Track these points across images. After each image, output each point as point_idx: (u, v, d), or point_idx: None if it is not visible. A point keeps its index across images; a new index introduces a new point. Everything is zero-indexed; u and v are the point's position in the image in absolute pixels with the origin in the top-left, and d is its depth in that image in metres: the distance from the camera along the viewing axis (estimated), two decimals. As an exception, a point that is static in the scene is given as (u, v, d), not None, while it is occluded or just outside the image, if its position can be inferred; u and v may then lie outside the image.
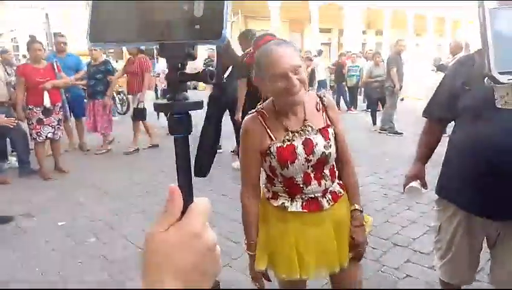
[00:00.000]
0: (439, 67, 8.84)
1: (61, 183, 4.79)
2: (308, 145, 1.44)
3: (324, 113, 1.52)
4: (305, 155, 1.43)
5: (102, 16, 0.45)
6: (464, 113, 1.67)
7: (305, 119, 1.47)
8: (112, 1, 0.45)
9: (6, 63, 5.89)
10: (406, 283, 2.52)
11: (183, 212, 0.44)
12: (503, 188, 1.56)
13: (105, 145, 6.21)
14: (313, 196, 1.48)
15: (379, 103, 8.05)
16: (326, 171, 1.50)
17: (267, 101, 1.52)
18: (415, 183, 1.91)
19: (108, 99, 5.98)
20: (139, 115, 6.03)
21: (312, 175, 1.47)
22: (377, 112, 8.01)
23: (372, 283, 2.51)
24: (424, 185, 1.94)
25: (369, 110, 8.49)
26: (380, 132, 7.52)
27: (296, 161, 1.42)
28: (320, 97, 1.55)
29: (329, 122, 1.51)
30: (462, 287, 1.98)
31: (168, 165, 4.68)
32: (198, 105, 0.46)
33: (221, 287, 0.48)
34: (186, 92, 0.46)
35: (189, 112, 0.46)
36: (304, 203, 1.49)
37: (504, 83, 0.54)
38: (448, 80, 1.80)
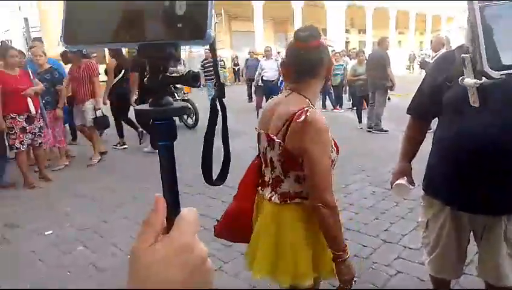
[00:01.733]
0: (422, 64, 8.97)
1: (46, 192, 4.69)
2: None
3: None
4: None
5: (77, 15, 0.42)
6: (446, 109, 1.70)
7: None
8: (87, 0, 0.42)
9: None
10: (397, 279, 2.55)
11: (170, 224, 0.42)
12: (487, 183, 1.60)
13: (63, 159, 5.74)
14: None
15: (363, 101, 8.13)
16: None
17: (302, 98, 1.45)
18: (402, 181, 1.93)
19: (60, 110, 5.42)
20: (103, 123, 5.77)
21: None
22: (362, 110, 8.10)
23: (364, 281, 2.53)
24: (411, 182, 1.97)
25: (355, 108, 8.58)
26: (368, 130, 7.58)
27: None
28: None
29: None
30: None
31: (156, 171, 4.63)
32: (183, 110, 0.43)
33: None
34: (169, 95, 0.43)
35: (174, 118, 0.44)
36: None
37: (497, 78, 0.55)
38: (430, 77, 1.82)
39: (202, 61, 11.04)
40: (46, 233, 3.49)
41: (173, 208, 0.43)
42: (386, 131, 7.25)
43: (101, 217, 3.81)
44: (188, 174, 4.02)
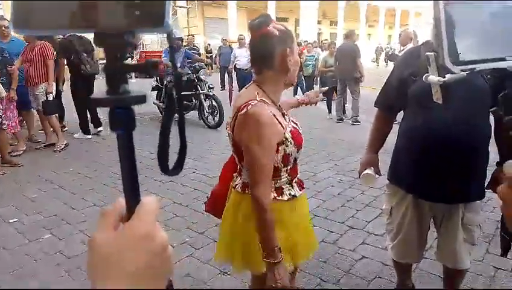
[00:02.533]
0: (390, 57, 9.20)
1: (10, 178, 4.51)
2: (298, 127, 1.54)
3: None
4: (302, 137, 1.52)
5: None
6: (411, 102, 1.78)
7: (279, 105, 1.54)
8: None
9: None
10: (362, 264, 2.68)
11: (130, 213, 0.42)
12: (447, 174, 1.71)
13: (21, 144, 5.45)
14: (297, 175, 1.58)
15: (334, 92, 8.29)
16: None
17: (257, 90, 1.43)
18: (369, 171, 2.02)
19: (13, 92, 5.04)
20: (52, 108, 5.47)
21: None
22: (332, 101, 8.26)
23: (330, 265, 2.64)
24: (377, 172, 2.07)
25: (325, 99, 8.72)
26: (337, 121, 7.75)
27: (303, 141, 1.51)
28: None
29: None
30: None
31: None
32: (141, 99, 0.42)
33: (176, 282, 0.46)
34: (127, 84, 0.42)
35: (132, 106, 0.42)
36: (298, 185, 1.56)
37: (457, 74, 0.59)
38: (397, 71, 1.89)
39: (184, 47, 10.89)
40: (11, 221, 3.38)
41: (132, 196, 0.43)
42: (358, 122, 7.44)
43: (69, 203, 3.73)
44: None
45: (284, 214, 1.49)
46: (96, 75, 6.15)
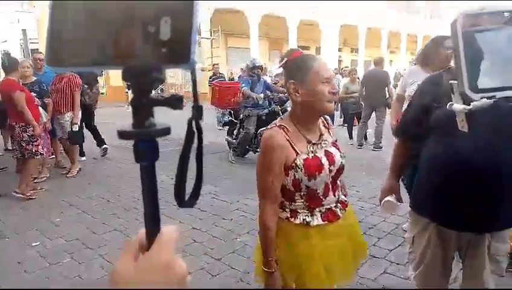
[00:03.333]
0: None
1: (37, 203, 4.65)
2: (329, 156, 1.54)
3: (329, 130, 1.66)
4: (328, 166, 1.52)
5: (61, 36, 0.42)
6: (434, 129, 1.73)
7: (321, 134, 1.57)
8: (72, 21, 0.42)
9: None
10: (382, 294, 2.56)
11: (151, 242, 0.42)
12: (473, 202, 1.62)
13: (45, 171, 5.66)
14: (329, 207, 1.56)
15: (355, 118, 8.24)
16: (339, 182, 1.62)
17: (284, 116, 1.59)
18: (391, 198, 1.97)
19: (49, 122, 5.36)
20: (78, 138, 5.75)
21: (330, 186, 1.56)
22: (353, 127, 8.21)
23: (350, 295, 2.54)
24: (399, 199, 2.01)
25: (346, 125, 8.67)
26: (358, 147, 7.65)
27: (323, 171, 1.50)
28: (324, 117, 1.66)
29: (334, 138, 1.65)
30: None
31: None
32: (166, 131, 0.43)
33: None
34: (153, 117, 0.43)
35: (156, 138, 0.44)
36: (322, 216, 1.54)
37: (477, 101, 0.57)
38: (418, 98, 1.86)
39: (210, 77, 11.33)
40: (33, 244, 3.46)
41: (153, 226, 0.44)
42: (380, 148, 7.32)
43: (91, 228, 3.79)
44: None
45: (294, 237, 1.52)
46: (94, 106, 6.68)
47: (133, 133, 0.43)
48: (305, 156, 1.47)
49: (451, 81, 0.60)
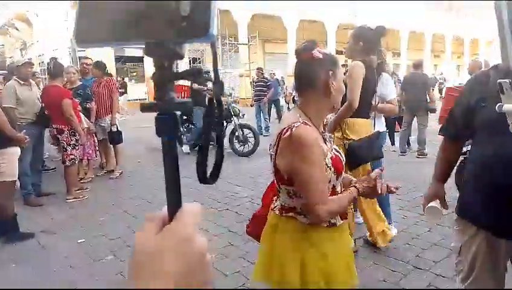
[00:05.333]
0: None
1: (83, 202, 4.88)
2: (339, 154, 1.51)
3: None
4: (343, 164, 1.49)
5: (88, 16, 0.45)
6: (481, 130, 1.65)
7: (323, 131, 1.53)
8: (98, 1, 0.45)
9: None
10: (427, 308, 2.43)
11: (171, 217, 0.43)
12: None
13: (90, 172, 5.92)
14: None
15: (396, 123, 7.94)
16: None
17: (299, 113, 1.44)
18: (435, 203, 1.87)
19: (93, 125, 5.65)
20: (116, 138, 5.90)
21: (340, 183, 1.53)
22: (395, 133, 7.92)
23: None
24: (444, 205, 1.90)
25: (387, 130, 8.38)
26: (400, 154, 7.36)
27: (343, 169, 1.48)
28: None
29: None
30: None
31: (186, 183, 4.73)
32: (185, 105, 0.44)
33: None
34: (173, 91, 0.44)
35: (177, 113, 0.44)
36: (341, 214, 1.51)
37: None
38: (464, 97, 1.78)
39: (252, 82, 11.41)
40: (78, 241, 3.62)
41: (174, 202, 0.44)
42: (424, 155, 7.01)
43: (132, 227, 3.91)
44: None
45: (321, 240, 1.45)
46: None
47: (152, 105, 0.43)
48: (330, 155, 1.43)
49: (500, 80, 0.55)
